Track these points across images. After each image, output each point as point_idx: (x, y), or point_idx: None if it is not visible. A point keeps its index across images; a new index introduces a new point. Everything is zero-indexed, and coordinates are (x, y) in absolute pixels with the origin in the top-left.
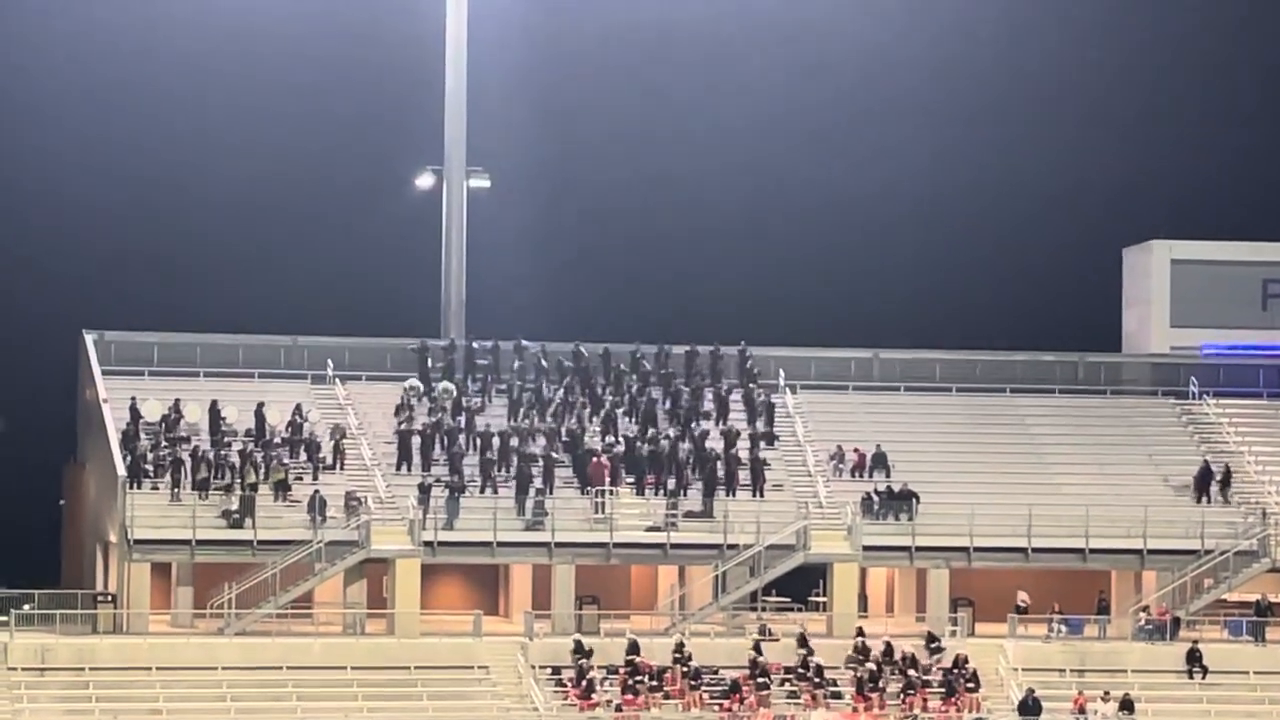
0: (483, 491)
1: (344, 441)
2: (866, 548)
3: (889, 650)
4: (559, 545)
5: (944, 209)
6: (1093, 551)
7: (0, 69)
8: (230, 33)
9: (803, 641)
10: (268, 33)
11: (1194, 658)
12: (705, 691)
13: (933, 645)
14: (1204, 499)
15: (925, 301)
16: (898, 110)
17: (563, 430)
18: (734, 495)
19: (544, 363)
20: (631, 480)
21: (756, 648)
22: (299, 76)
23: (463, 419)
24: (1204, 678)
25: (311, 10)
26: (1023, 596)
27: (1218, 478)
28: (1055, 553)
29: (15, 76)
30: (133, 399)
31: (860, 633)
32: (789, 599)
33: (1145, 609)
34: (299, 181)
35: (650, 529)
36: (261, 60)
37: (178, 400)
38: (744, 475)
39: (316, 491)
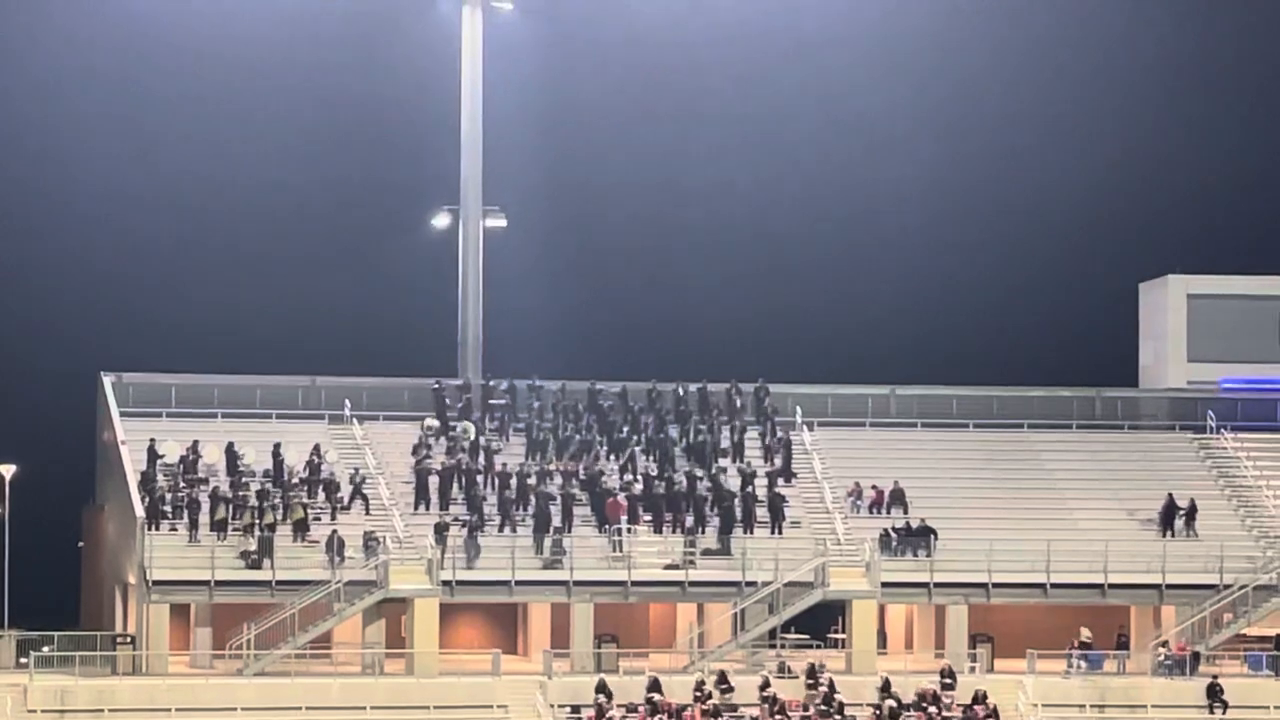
0: (501, 530)
1: (362, 484)
2: (885, 584)
3: (886, 686)
4: (577, 584)
5: (960, 245)
6: (1111, 587)
7: (17, 117)
8: (247, 73)
9: (811, 673)
10: (284, 74)
11: (1214, 692)
12: None
13: (945, 681)
14: (1169, 533)
15: (942, 338)
16: (913, 148)
17: (580, 469)
18: (752, 533)
19: (562, 401)
20: (649, 518)
21: (765, 683)
22: (315, 117)
23: (481, 458)
24: (1224, 712)
25: (328, 52)
26: (1085, 633)
27: (1182, 511)
28: (1074, 588)
29: (30, 122)
30: (151, 440)
31: (813, 671)
32: (808, 636)
33: (1165, 644)
34: (315, 222)
35: (668, 567)
36: (278, 101)
37: (196, 441)
38: (762, 512)
39: (334, 531)
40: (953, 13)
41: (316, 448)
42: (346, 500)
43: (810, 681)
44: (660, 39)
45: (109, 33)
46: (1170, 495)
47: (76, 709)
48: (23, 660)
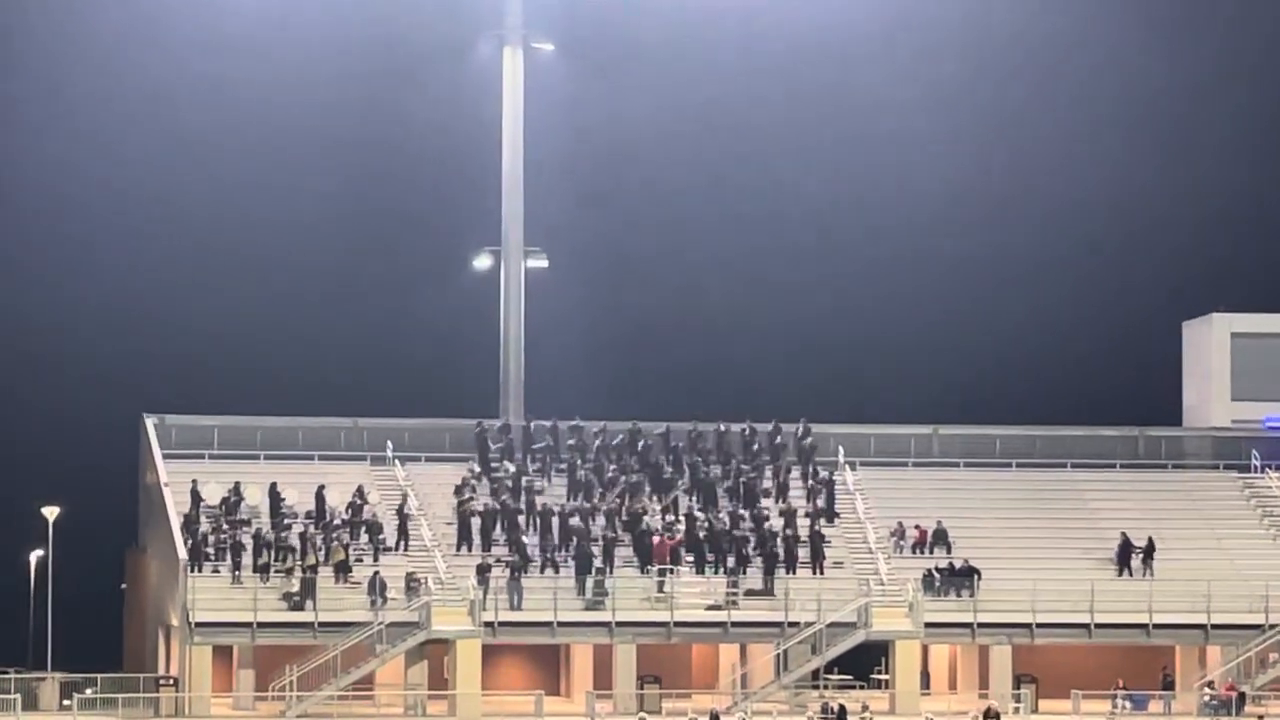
0: (543, 571)
1: (408, 523)
2: (928, 625)
3: None
4: (620, 624)
5: (1002, 284)
6: (1156, 627)
7: (56, 163)
8: (288, 115)
9: (842, 714)
10: (325, 116)
11: None
12: None
13: None
14: (1126, 572)
15: (985, 377)
16: (958, 189)
17: (623, 509)
18: (794, 573)
19: (602, 441)
20: (691, 559)
21: None
22: (356, 159)
23: (523, 499)
24: None
25: (369, 94)
26: (1210, 678)
27: (1139, 550)
28: (1118, 628)
29: (69, 169)
30: (193, 482)
31: (843, 712)
32: (851, 677)
33: (1210, 684)
34: (358, 264)
35: (711, 607)
36: (319, 143)
37: (238, 483)
38: (804, 553)
39: (377, 573)
40: (999, 48)
41: (359, 489)
42: (393, 540)
43: None
44: (701, 76)
45: (148, 74)
46: (1124, 534)
47: None
48: (66, 703)
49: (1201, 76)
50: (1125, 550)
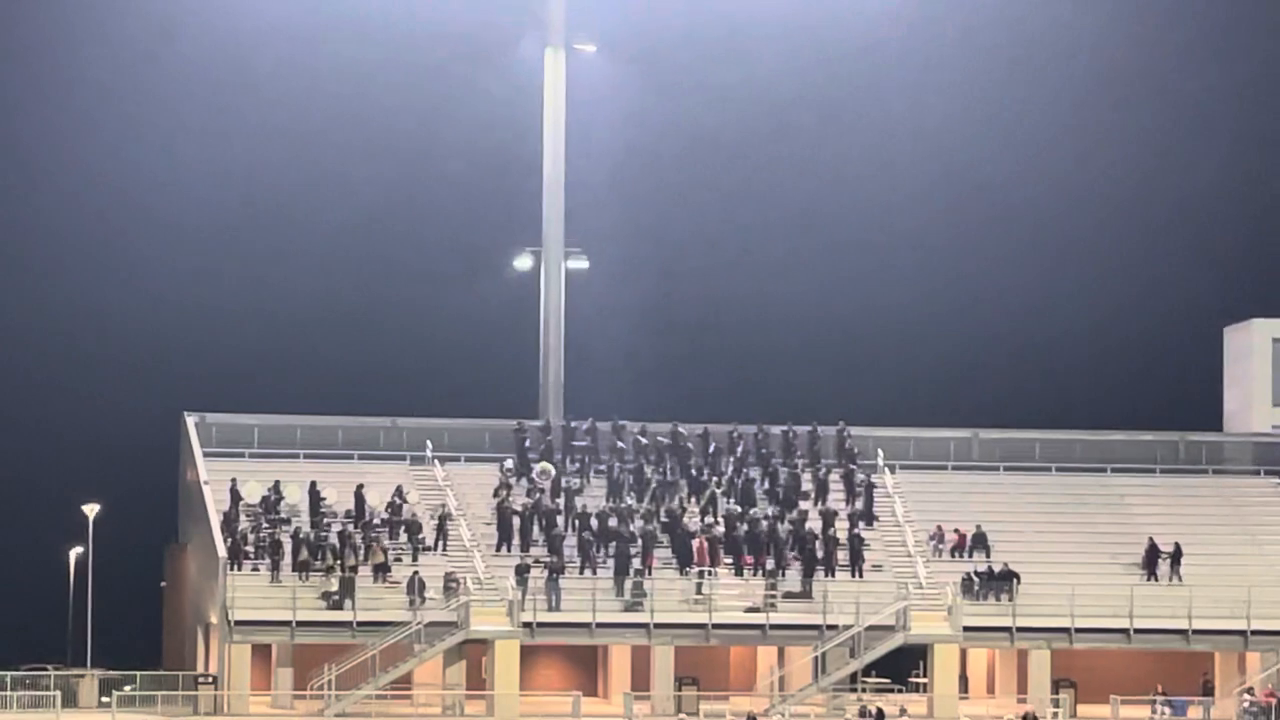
0: (581, 572)
1: (447, 523)
2: (967, 628)
3: None
4: (658, 626)
5: (1042, 289)
6: (1196, 632)
7: (100, 161)
8: (332, 118)
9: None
10: (365, 116)
11: None
12: None
13: None
14: (1153, 578)
15: (1024, 381)
16: (997, 195)
17: (661, 510)
18: (833, 576)
19: (643, 440)
20: (730, 561)
21: None
22: (397, 159)
23: (561, 499)
24: None
25: (409, 95)
26: (1250, 684)
27: (1166, 555)
28: (1157, 633)
29: (108, 164)
30: (233, 480)
31: (881, 715)
32: (889, 680)
33: (1249, 690)
34: (397, 264)
35: (749, 610)
36: (359, 143)
37: (278, 482)
38: (843, 555)
39: (416, 573)
40: (1043, 53)
41: (398, 489)
42: (431, 540)
43: None
44: (743, 77)
45: (192, 72)
46: (1151, 539)
47: None
48: (105, 700)
49: (1243, 83)
50: (1152, 555)
